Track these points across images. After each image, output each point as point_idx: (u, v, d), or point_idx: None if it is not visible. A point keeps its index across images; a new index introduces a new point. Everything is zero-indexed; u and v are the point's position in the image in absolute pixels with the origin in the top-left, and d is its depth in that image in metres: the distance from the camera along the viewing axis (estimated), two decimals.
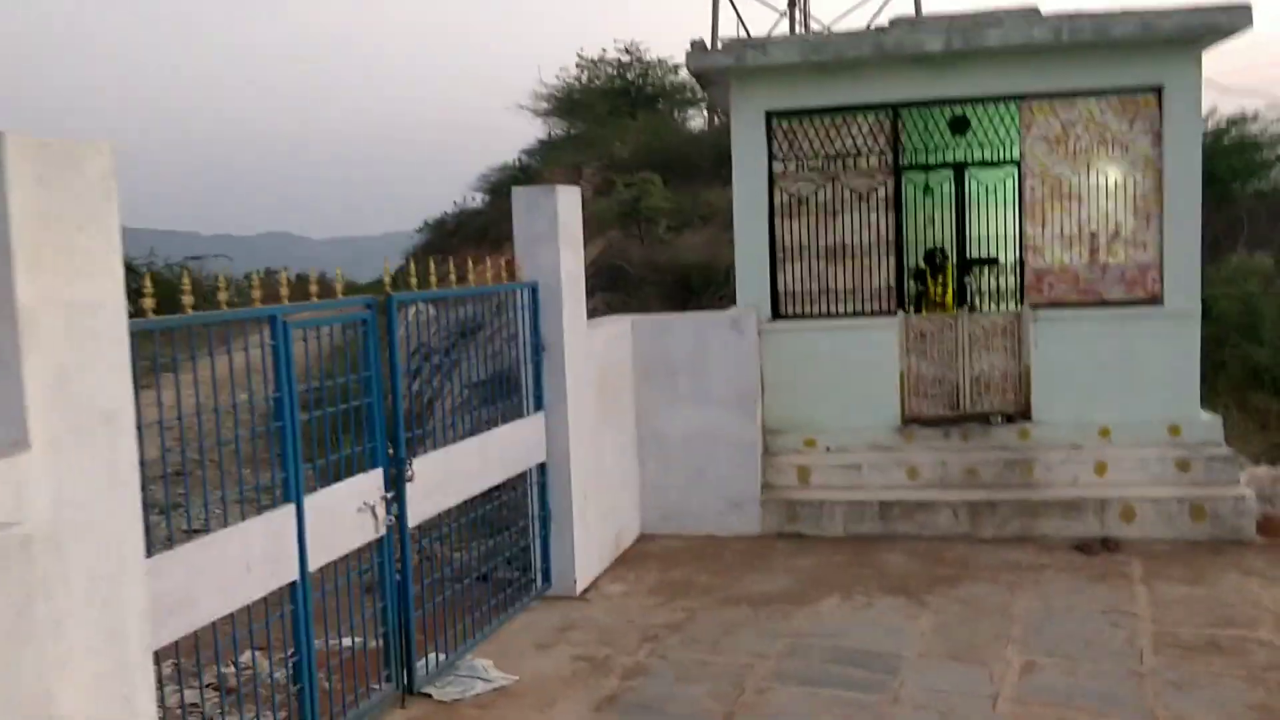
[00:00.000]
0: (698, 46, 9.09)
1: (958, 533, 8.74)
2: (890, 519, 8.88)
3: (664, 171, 21.17)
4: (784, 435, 9.55)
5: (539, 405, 7.51)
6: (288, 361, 5.03)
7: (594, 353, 8.12)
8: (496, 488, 7.18)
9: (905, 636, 6.72)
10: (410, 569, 6.03)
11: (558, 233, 7.45)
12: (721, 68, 9.17)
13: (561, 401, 7.53)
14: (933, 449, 9.30)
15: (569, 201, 7.66)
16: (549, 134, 31.14)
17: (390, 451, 5.88)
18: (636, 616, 7.26)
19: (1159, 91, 8.92)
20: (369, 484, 5.69)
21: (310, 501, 5.20)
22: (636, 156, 23.23)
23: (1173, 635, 6.53)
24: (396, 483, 5.91)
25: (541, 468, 7.57)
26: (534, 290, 7.43)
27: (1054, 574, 7.77)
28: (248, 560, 4.80)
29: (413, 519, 6.06)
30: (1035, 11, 8.91)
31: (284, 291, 5.08)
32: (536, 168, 28.05)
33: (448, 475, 6.39)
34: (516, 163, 30.22)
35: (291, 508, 5.08)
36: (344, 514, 5.50)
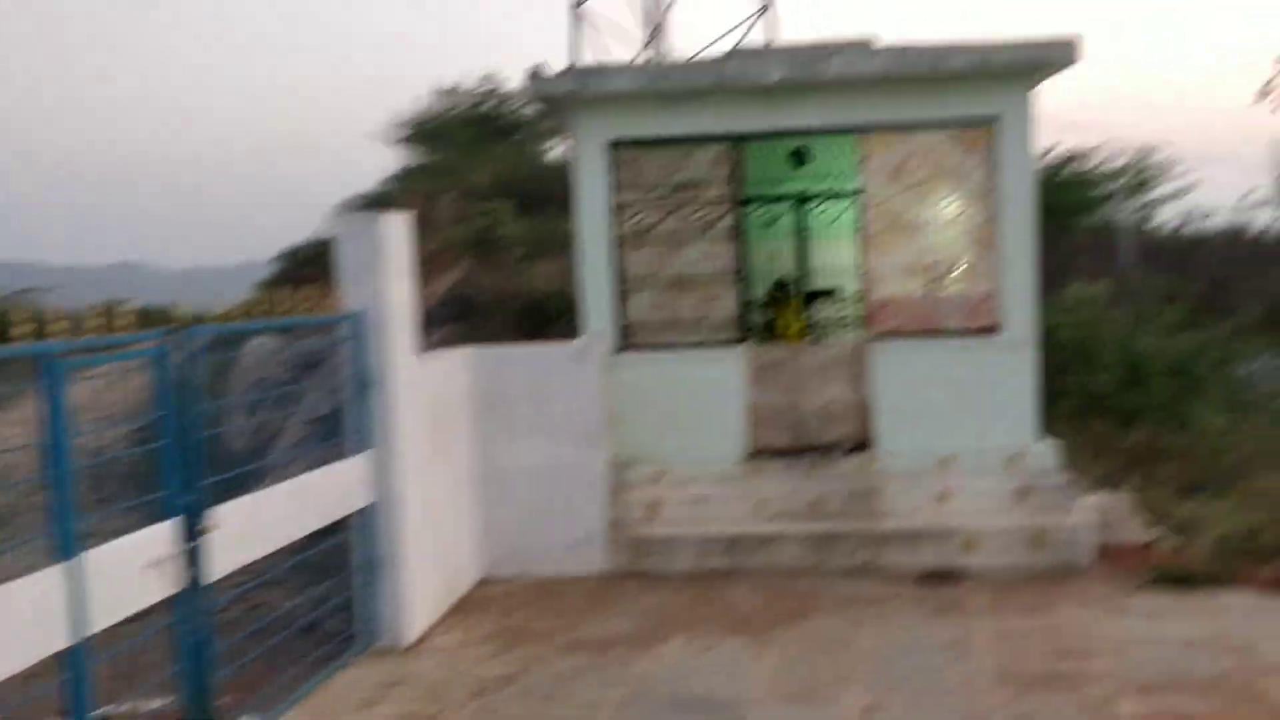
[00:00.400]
0: (538, 73, 8.84)
1: (804, 566, 8.61)
2: (738, 553, 8.71)
3: (521, 200, 20.84)
4: (632, 469, 9.31)
5: (365, 444, 7.09)
6: (58, 405, 4.54)
7: (427, 387, 7.74)
8: (330, 529, 6.79)
9: (749, 678, 6.52)
10: (211, 627, 5.54)
11: (384, 261, 7.07)
12: (562, 95, 8.94)
13: (389, 439, 7.12)
14: (779, 481, 9.18)
15: (397, 228, 7.29)
16: (412, 163, 30.59)
17: (188, 500, 5.41)
18: (469, 668, 6.88)
19: (994, 124, 9.04)
20: (160, 537, 5.21)
21: (90, 558, 4.70)
22: (495, 185, 22.89)
23: (1013, 669, 6.46)
24: (195, 534, 5.44)
25: (369, 510, 7.14)
26: (358, 321, 7.03)
27: (898, 607, 7.69)
28: (11, 625, 4.29)
29: (215, 573, 5.58)
30: (870, 43, 8.95)
31: (56, 327, 4.60)
32: (396, 196, 27.39)
33: (257, 523, 5.92)
34: (377, 191, 29.50)
35: (65, 566, 4.57)
36: (131, 570, 5.00)
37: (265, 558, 6.22)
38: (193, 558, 5.41)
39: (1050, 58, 8.70)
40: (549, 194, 20.74)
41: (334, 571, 7.07)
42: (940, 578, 8.24)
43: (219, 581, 5.74)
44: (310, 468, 6.71)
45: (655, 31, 35.36)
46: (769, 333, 10.77)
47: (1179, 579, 7.94)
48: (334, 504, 6.73)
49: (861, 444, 9.29)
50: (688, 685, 6.45)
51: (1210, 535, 8.77)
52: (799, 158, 9.60)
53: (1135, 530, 9.04)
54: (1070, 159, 22.23)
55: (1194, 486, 10.83)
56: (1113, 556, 8.63)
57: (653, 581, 8.55)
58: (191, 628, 5.44)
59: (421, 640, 7.39)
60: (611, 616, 7.75)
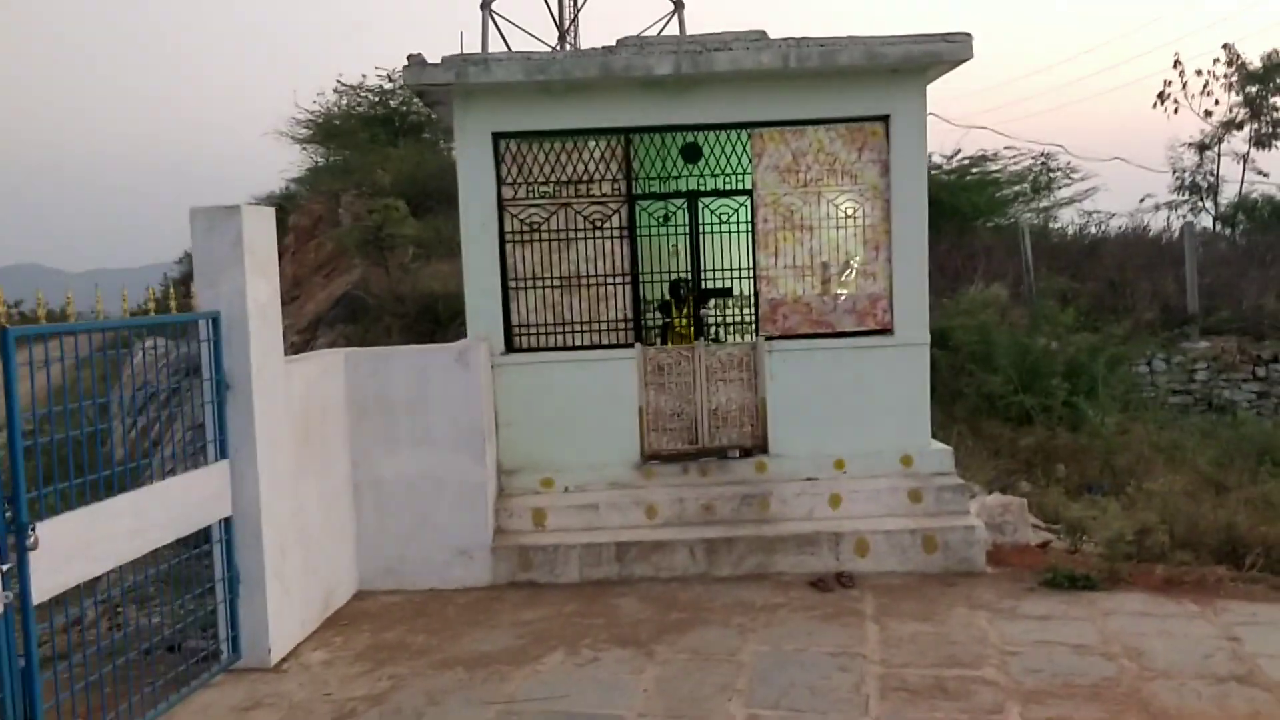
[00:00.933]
0: (416, 61, 8.45)
1: (694, 572, 8.37)
2: (627, 561, 8.43)
3: (424, 199, 20.39)
4: (519, 476, 8.99)
5: (223, 452, 6.66)
6: None
7: (295, 391, 7.32)
8: (197, 540, 6.39)
9: (629, 694, 6.23)
10: (35, 653, 5.09)
11: (243, 257, 6.63)
12: (442, 85, 8.56)
13: (249, 447, 6.69)
14: (671, 485, 8.93)
15: (258, 223, 6.86)
16: (314, 162, 29.91)
17: (9, 515, 4.96)
18: (336, 689, 6.49)
19: (886, 121, 8.89)
20: None
21: None
22: (398, 184, 22.38)
23: (900, 678, 6.29)
24: (17, 551, 4.99)
25: (227, 523, 6.71)
26: (215, 322, 6.60)
27: (787, 614, 7.47)
28: None
29: (42, 593, 5.14)
30: (763, 36, 8.74)
31: None
32: (300, 195, 26.78)
33: (91, 539, 5.47)
34: (282, 190, 28.82)
35: None
36: None
37: (117, 573, 5.82)
38: (14, 576, 4.96)
39: (942, 52, 8.57)
40: (450, 192, 20.35)
41: (198, 585, 6.64)
42: (832, 581, 8.05)
43: (63, 597, 5.36)
44: (163, 477, 6.29)
45: (565, 31, 35.06)
46: (664, 334, 10.51)
47: (1071, 581, 7.86)
48: (185, 517, 6.28)
49: (755, 447, 9.08)
50: (565, 703, 6.15)
51: (1102, 536, 8.73)
52: (690, 154, 9.35)
53: (1028, 532, 8.98)
54: (974, 160, 22.47)
55: (1087, 487, 10.86)
56: (1005, 558, 8.55)
57: (538, 592, 8.23)
58: (15, 651, 5.00)
59: (288, 658, 6.98)
60: (491, 630, 7.41)
